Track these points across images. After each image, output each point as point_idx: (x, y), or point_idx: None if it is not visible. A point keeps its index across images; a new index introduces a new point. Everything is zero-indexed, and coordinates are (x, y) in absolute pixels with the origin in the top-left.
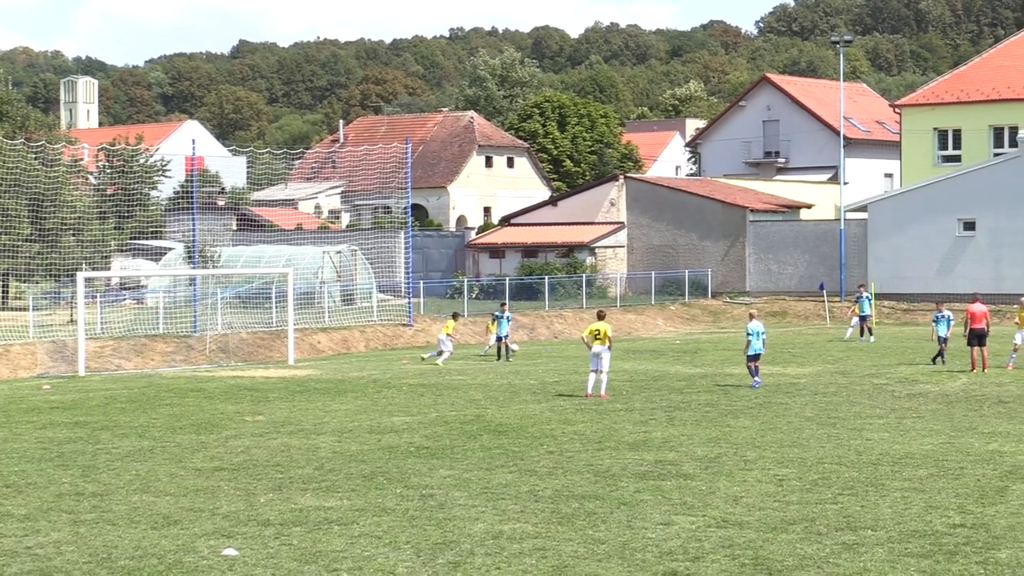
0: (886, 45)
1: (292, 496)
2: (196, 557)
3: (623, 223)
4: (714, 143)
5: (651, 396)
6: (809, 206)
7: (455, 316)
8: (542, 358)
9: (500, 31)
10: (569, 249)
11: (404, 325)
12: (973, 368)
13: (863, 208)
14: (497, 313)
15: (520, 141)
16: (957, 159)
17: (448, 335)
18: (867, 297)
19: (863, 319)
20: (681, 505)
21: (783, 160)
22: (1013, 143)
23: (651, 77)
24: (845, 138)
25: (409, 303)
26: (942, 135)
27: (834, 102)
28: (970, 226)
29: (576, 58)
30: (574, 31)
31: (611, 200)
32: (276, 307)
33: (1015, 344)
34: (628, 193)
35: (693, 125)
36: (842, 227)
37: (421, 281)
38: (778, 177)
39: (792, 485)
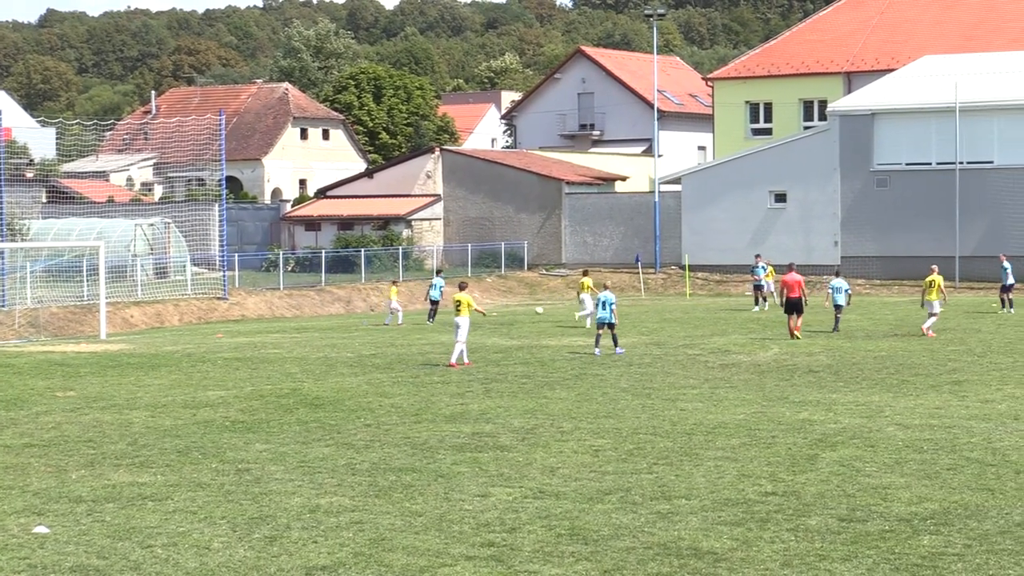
0: (699, 19)
1: (105, 472)
2: (6, 535)
3: (439, 195)
4: (530, 116)
5: (468, 368)
6: (624, 178)
7: (394, 283)
8: (359, 331)
9: (315, 2)
10: (385, 222)
11: (219, 298)
12: (792, 336)
13: (677, 180)
14: (435, 280)
15: (335, 113)
16: (768, 132)
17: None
18: (763, 266)
19: (758, 288)
20: (498, 477)
21: (598, 133)
22: (823, 116)
23: (467, 49)
24: (659, 111)
25: (224, 276)
26: (754, 108)
27: (648, 75)
28: (781, 198)
29: (391, 30)
30: (389, 2)
31: (427, 172)
32: (87, 281)
33: (934, 312)
34: (444, 165)
35: (509, 97)
36: (656, 199)
37: (236, 254)
38: (593, 150)
39: (608, 455)
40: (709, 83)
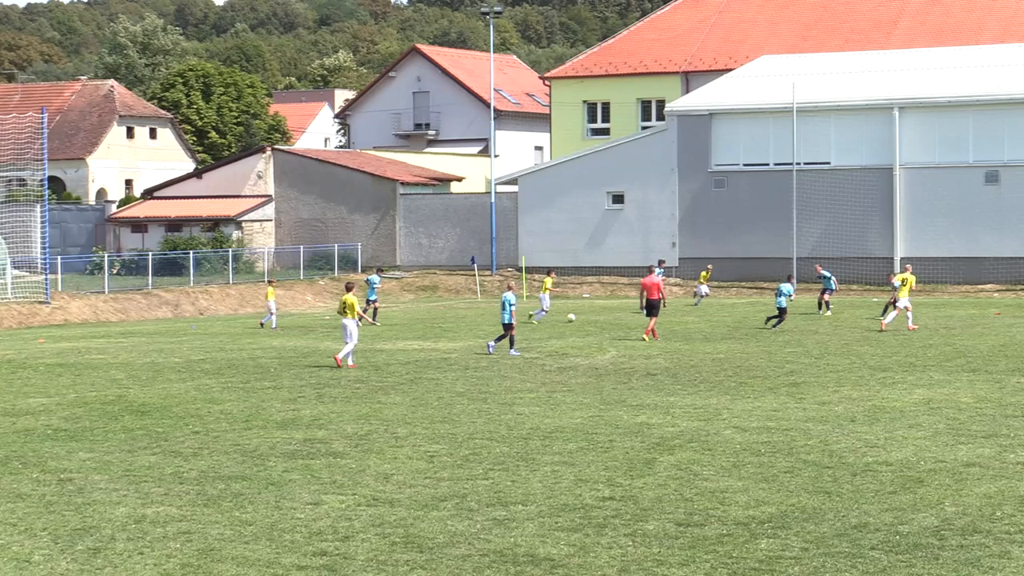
0: (536, 17)
1: None
2: None
3: (271, 196)
4: (364, 115)
5: (300, 373)
6: (460, 179)
7: (271, 283)
8: (187, 336)
9: None
10: (215, 223)
11: (41, 303)
12: (646, 336)
13: (514, 181)
14: (370, 278)
15: (163, 112)
16: (606, 132)
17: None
18: (660, 272)
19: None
20: (331, 484)
21: (434, 132)
22: (661, 116)
23: (299, 46)
24: (495, 110)
25: (46, 280)
26: (591, 108)
27: (484, 74)
28: (619, 199)
29: (221, 26)
30: None
31: (258, 173)
32: None
33: (906, 307)
34: (276, 166)
35: (342, 96)
36: (493, 200)
37: (59, 257)
38: (429, 149)
39: (443, 461)
40: (546, 82)
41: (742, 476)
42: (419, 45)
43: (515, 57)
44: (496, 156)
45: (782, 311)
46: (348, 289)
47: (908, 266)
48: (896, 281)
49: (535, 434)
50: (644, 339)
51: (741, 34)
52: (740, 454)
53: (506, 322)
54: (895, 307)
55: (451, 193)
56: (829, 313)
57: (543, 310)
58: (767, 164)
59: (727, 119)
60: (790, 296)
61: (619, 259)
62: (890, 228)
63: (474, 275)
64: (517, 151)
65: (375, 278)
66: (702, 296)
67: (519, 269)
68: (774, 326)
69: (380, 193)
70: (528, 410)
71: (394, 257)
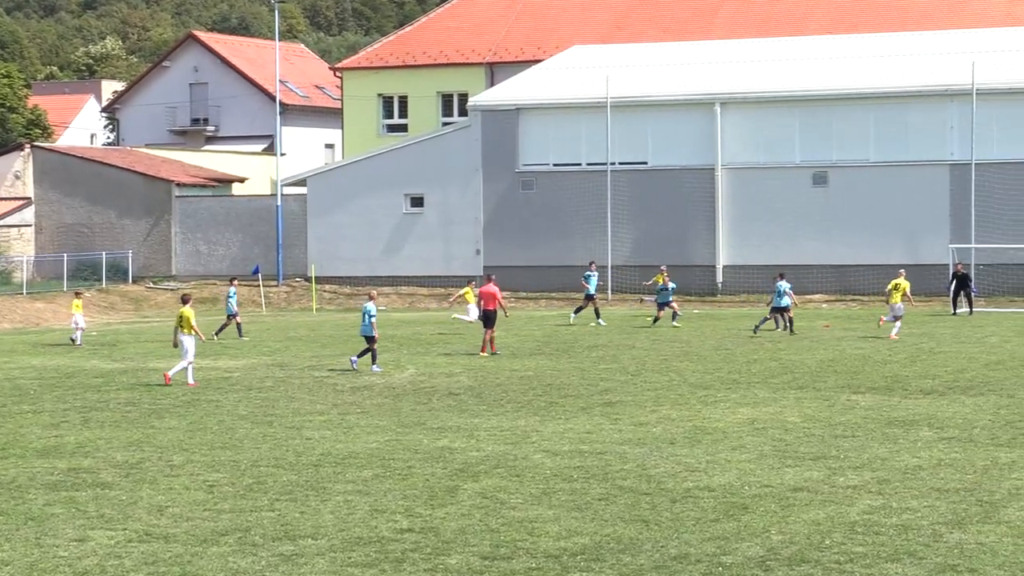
0: (326, 2)
1: None
2: None
3: (30, 199)
4: (135, 108)
5: (63, 395)
6: (242, 180)
7: (78, 294)
8: None
9: None
10: None
11: None
12: (483, 351)
13: (302, 183)
14: (231, 291)
15: None
16: (404, 128)
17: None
18: (590, 274)
19: (589, 298)
20: (98, 518)
21: (213, 128)
22: (463, 112)
23: (61, 32)
24: (281, 104)
25: None
26: (387, 102)
27: (269, 64)
28: (418, 202)
29: None
30: None
31: (16, 173)
32: None
33: (898, 315)
34: (36, 165)
35: (111, 88)
36: (279, 203)
37: None
38: (208, 147)
39: (224, 491)
40: (338, 74)
41: (553, 504)
42: (196, 32)
43: (303, 46)
44: (282, 155)
45: (784, 309)
46: (184, 302)
47: (901, 271)
48: (890, 287)
49: (326, 460)
50: (493, 353)
51: (551, 22)
52: (550, 480)
53: (367, 335)
54: (894, 315)
55: (232, 196)
56: (675, 324)
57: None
58: (579, 164)
59: (535, 115)
60: (787, 293)
61: (418, 268)
62: (712, 233)
63: (258, 286)
64: (305, 149)
65: (232, 290)
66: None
67: (308, 279)
68: (788, 328)
69: (153, 195)
70: (318, 434)
71: (169, 266)
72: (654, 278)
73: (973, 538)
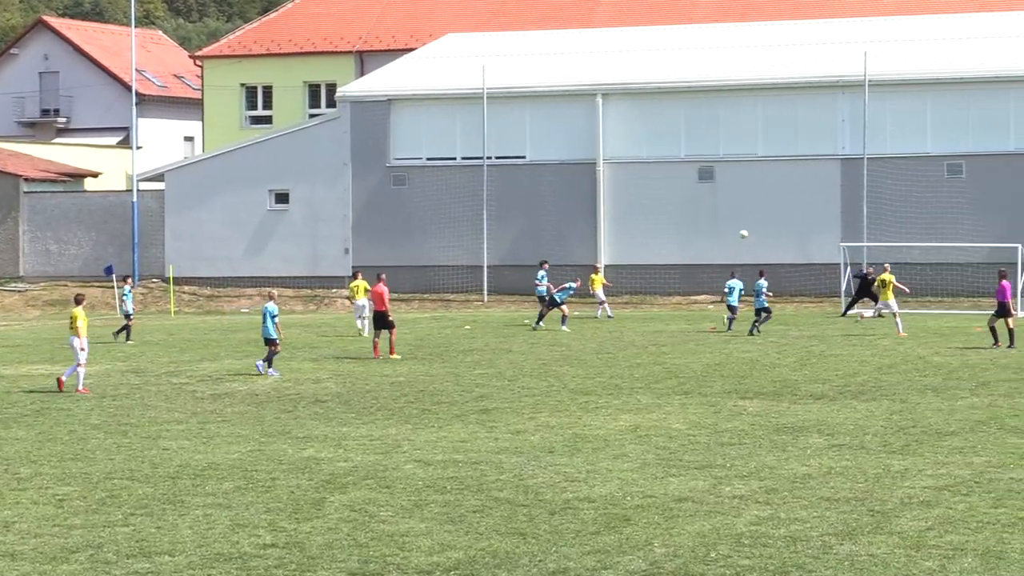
0: None
1: None
2: None
3: None
4: None
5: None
6: (96, 175)
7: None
8: None
9: None
10: None
11: None
12: (376, 355)
13: (159, 177)
14: (125, 290)
15: None
16: (268, 120)
17: None
18: (543, 275)
19: (541, 300)
20: None
21: (64, 120)
22: (332, 103)
23: None
24: (138, 94)
25: None
26: (251, 92)
27: (125, 51)
28: (283, 198)
29: None
30: None
31: None
32: None
33: (892, 312)
34: None
35: None
36: (135, 200)
37: None
38: (58, 140)
39: (75, 506)
40: (198, 62)
41: (425, 517)
42: (46, 17)
43: (161, 33)
44: (138, 148)
45: (764, 310)
46: (78, 302)
47: (887, 265)
48: (877, 284)
49: (184, 472)
50: (395, 357)
51: (424, 9)
52: (423, 492)
53: (269, 337)
54: (891, 311)
55: (85, 191)
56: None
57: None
58: (454, 158)
59: (408, 106)
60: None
61: (283, 268)
62: (593, 231)
63: (112, 287)
64: (163, 142)
65: (127, 288)
66: (602, 302)
67: (166, 280)
68: (759, 324)
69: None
70: (176, 444)
71: (16, 266)
72: (591, 277)
73: (864, 549)
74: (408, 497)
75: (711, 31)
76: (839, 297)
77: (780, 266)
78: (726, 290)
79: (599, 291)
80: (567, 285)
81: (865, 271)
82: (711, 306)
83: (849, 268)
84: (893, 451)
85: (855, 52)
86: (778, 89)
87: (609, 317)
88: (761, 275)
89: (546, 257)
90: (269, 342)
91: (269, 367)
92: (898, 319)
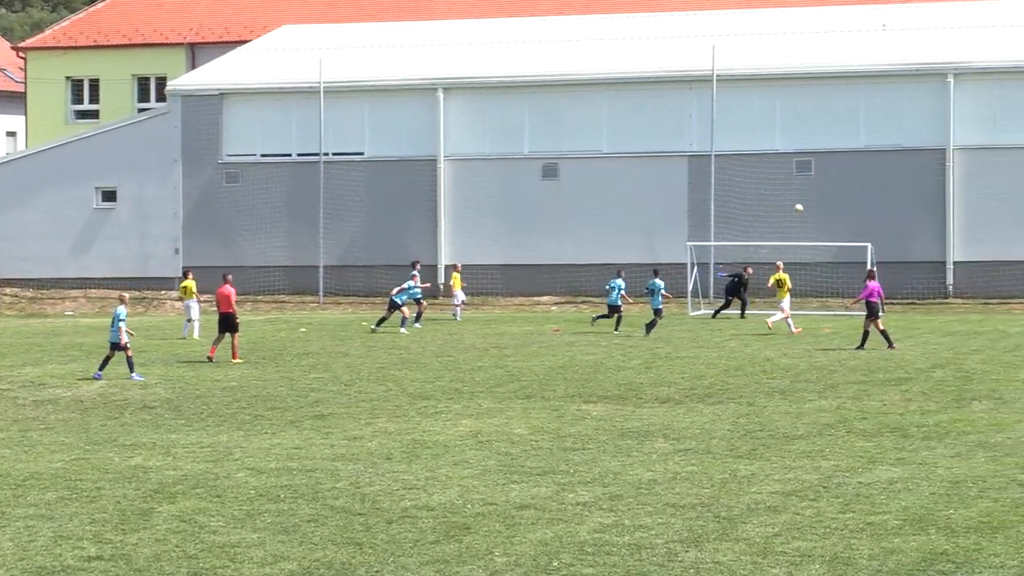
0: None
1: None
2: None
3: None
4: None
5: None
6: None
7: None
8: None
9: None
10: None
11: None
12: (212, 356)
13: None
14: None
15: None
16: (95, 115)
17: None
18: (415, 273)
19: (418, 301)
20: None
21: None
22: (162, 97)
23: None
24: None
25: None
26: (76, 85)
27: None
28: (110, 196)
29: None
30: None
31: None
32: None
33: (783, 309)
34: None
35: None
36: None
37: None
38: None
39: None
40: (21, 54)
41: (258, 527)
42: None
43: None
44: None
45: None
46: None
47: (779, 263)
48: (771, 283)
49: (5, 482)
50: (237, 360)
51: (259, 0)
52: (255, 501)
53: (115, 341)
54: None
55: None
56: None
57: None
58: (289, 155)
59: (241, 101)
60: (621, 290)
61: (110, 268)
62: (434, 231)
63: None
64: None
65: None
66: (459, 304)
67: None
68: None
69: None
70: None
71: None
72: (452, 277)
73: (710, 556)
74: (240, 507)
75: (556, 24)
76: (685, 297)
77: (626, 266)
78: (608, 287)
79: (459, 291)
80: (407, 285)
81: (741, 271)
82: (554, 307)
83: (720, 268)
84: (740, 455)
85: (703, 46)
86: (624, 84)
87: (455, 318)
88: (655, 274)
89: (418, 257)
90: (115, 347)
91: (131, 371)
92: (788, 317)
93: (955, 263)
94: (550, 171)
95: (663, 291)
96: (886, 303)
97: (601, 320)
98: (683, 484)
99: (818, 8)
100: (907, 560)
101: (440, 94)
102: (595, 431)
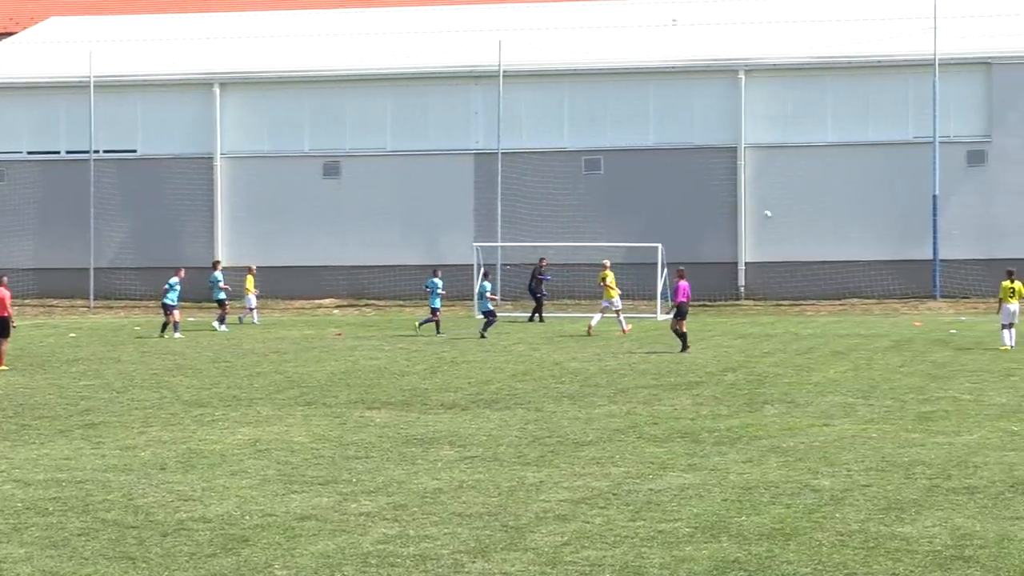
0: None
1: None
2: None
3: None
4: None
5: None
6: None
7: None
8: None
9: None
10: None
11: None
12: None
13: None
14: None
15: None
16: None
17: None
18: (217, 276)
19: (220, 304)
20: None
21: None
22: None
23: None
24: None
25: None
26: None
27: None
28: None
29: None
30: None
31: None
32: None
33: (614, 308)
34: None
35: None
36: None
37: None
38: None
39: None
40: None
41: (25, 541)
42: None
43: None
44: None
45: (490, 313)
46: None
47: (606, 261)
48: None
49: None
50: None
51: None
52: (23, 514)
53: None
54: (612, 310)
55: None
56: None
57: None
58: (58, 152)
59: (6, 95)
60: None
61: None
62: (210, 231)
63: None
64: None
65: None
66: (251, 309)
67: None
68: (482, 332)
69: None
70: None
71: None
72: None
73: (497, 567)
74: (5, 520)
75: (338, 17)
76: (472, 300)
77: (410, 267)
78: (427, 288)
79: (252, 295)
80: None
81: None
82: (336, 311)
83: (506, 268)
84: (528, 463)
85: (490, 41)
86: (408, 80)
87: (240, 321)
88: (485, 276)
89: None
90: None
91: None
92: (618, 317)
93: (747, 264)
94: (332, 169)
95: (489, 293)
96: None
97: (425, 324)
98: (470, 492)
99: (607, 3)
100: (699, 568)
101: (216, 89)
102: (378, 439)
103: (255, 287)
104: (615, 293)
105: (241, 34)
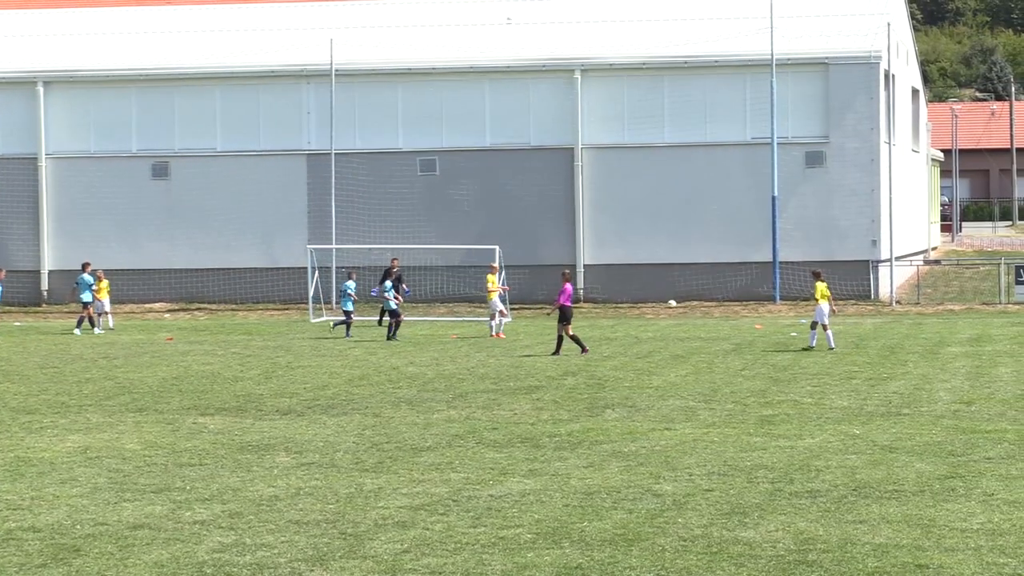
0: None
1: None
2: None
3: None
4: None
5: None
6: None
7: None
8: None
9: None
10: None
11: None
12: None
13: None
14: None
15: None
16: None
17: None
18: (85, 279)
19: (86, 305)
20: None
21: None
22: None
23: None
24: None
25: None
26: None
27: None
28: None
29: None
30: None
31: None
32: None
33: (500, 309)
34: None
35: None
36: None
37: None
38: None
39: None
40: None
41: None
42: None
43: None
44: None
45: (393, 313)
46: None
47: (493, 264)
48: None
49: None
50: None
51: None
52: None
53: None
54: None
55: None
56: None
57: None
58: None
59: None
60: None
61: None
62: (36, 234)
63: None
64: None
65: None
66: (103, 313)
67: None
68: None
69: None
70: None
71: None
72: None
73: (335, 575)
74: None
75: (167, 14)
76: (306, 303)
77: (243, 271)
78: (342, 290)
79: (105, 299)
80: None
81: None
82: (167, 315)
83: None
84: (366, 469)
85: (321, 39)
86: (239, 78)
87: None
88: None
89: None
90: None
91: None
92: (494, 322)
93: (586, 266)
94: (160, 170)
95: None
96: (512, 308)
97: (340, 326)
98: (307, 500)
99: (442, 1)
100: (541, 575)
101: (40, 88)
102: (212, 445)
103: (108, 291)
104: (493, 295)
105: (66, 31)
